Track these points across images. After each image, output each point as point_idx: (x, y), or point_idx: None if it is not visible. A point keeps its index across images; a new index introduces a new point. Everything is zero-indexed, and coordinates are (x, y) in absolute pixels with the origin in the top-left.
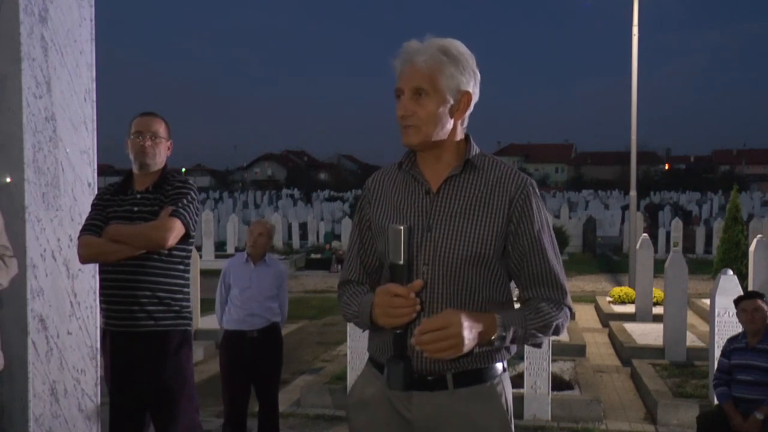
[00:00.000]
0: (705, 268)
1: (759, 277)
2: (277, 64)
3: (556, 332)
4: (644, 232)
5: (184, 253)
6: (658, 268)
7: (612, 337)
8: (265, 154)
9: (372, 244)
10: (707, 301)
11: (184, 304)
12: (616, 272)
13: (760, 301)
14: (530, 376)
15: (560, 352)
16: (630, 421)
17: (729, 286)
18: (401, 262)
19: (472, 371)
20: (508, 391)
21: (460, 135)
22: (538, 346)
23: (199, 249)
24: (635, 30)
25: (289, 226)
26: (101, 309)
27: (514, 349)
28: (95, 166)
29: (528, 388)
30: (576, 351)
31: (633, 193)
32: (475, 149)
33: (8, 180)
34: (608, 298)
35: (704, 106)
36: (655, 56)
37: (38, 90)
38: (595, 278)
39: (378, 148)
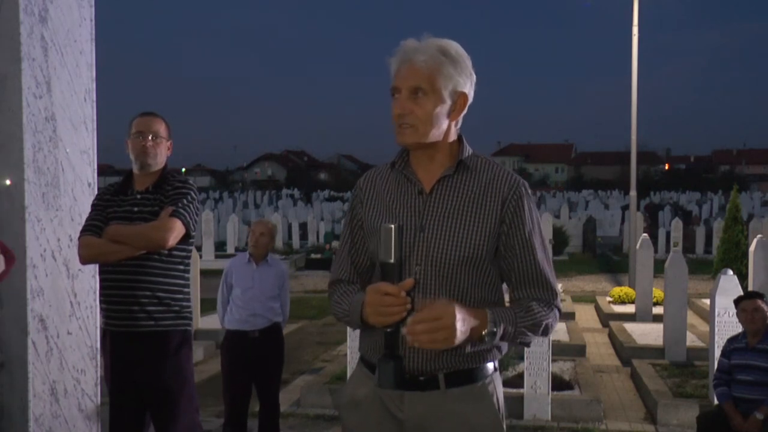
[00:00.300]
0: (705, 268)
1: (759, 277)
2: (277, 64)
3: (545, 332)
4: (644, 232)
5: (184, 254)
6: (658, 268)
7: (612, 337)
8: (265, 154)
9: (363, 243)
10: (707, 301)
11: (184, 304)
12: (616, 272)
13: (760, 301)
14: (530, 376)
15: (560, 352)
16: (630, 421)
17: (729, 286)
18: (392, 260)
19: (464, 371)
20: (500, 391)
21: (453, 136)
22: (527, 345)
23: (199, 249)
24: (635, 30)
25: (289, 226)
26: (101, 309)
27: (505, 348)
28: (95, 166)
29: (528, 388)
30: (576, 351)
31: (633, 193)
32: (468, 150)
33: (8, 182)
34: (608, 298)
35: (704, 106)
36: (655, 56)
37: (38, 90)
38: (595, 278)
39: (378, 148)
